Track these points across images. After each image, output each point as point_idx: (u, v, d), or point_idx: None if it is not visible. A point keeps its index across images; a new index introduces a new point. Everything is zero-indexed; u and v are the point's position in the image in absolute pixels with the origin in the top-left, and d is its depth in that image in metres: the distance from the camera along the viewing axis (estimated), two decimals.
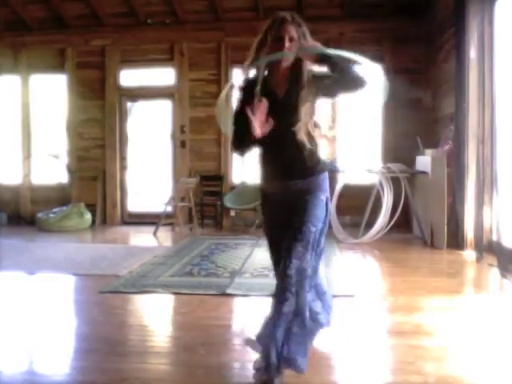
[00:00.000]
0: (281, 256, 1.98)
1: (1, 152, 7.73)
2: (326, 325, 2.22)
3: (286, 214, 2.04)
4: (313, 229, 1.98)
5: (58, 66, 7.34)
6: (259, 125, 1.85)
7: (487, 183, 4.56)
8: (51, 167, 7.56)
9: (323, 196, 2.06)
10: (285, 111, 1.99)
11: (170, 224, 6.64)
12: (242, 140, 1.99)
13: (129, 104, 7.45)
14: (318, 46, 1.94)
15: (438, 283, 3.65)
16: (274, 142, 1.99)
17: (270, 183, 2.12)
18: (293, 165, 2.03)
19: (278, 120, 1.90)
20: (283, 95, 2.03)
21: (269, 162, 2.09)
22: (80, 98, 7.28)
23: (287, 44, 1.96)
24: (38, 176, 7.55)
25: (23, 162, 7.51)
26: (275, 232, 2.11)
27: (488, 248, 4.51)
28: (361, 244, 5.32)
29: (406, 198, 5.52)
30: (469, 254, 4.67)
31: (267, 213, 2.19)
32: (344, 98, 2.11)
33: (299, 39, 1.97)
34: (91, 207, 7.06)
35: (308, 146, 2.00)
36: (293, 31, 1.97)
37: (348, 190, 6.03)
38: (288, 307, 1.89)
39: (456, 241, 4.90)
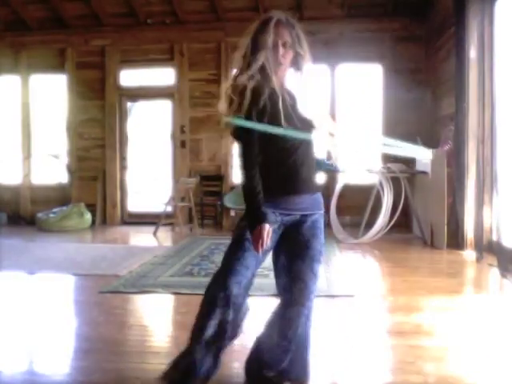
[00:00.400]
0: (247, 263, 1.79)
1: (1, 152, 7.73)
2: None
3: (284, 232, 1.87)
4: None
5: (58, 66, 7.34)
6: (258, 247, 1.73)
7: (487, 183, 4.56)
8: (51, 167, 7.57)
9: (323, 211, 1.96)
10: (302, 117, 1.82)
11: (170, 224, 6.64)
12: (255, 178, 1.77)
13: (129, 104, 7.45)
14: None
15: (438, 283, 3.65)
16: (290, 150, 1.79)
17: (277, 196, 1.81)
18: (308, 177, 1.82)
19: (296, 127, 1.76)
20: (291, 99, 1.85)
21: (279, 171, 1.80)
22: (80, 98, 7.28)
23: (281, 51, 1.78)
24: (37, 176, 7.55)
25: (23, 162, 7.51)
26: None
27: (488, 248, 4.51)
28: (361, 244, 5.32)
29: (406, 198, 5.52)
30: (469, 254, 4.67)
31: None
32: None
33: (294, 44, 1.80)
34: (91, 207, 7.06)
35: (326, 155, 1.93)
36: (286, 35, 1.79)
37: (348, 190, 6.03)
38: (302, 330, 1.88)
39: (456, 241, 4.90)
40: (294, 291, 1.84)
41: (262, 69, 1.79)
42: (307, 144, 1.84)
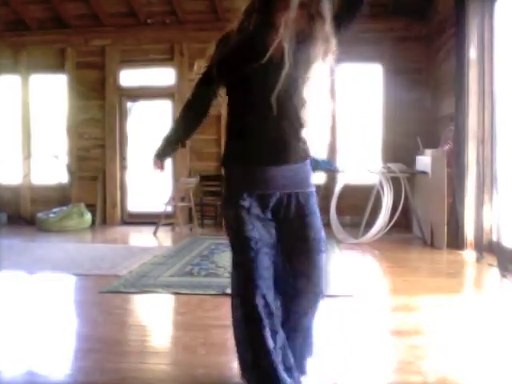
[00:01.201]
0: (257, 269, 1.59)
1: (1, 152, 7.73)
2: None
3: (269, 217, 1.67)
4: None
5: (58, 66, 7.34)
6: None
7: (487, 183, 4.56)
8: (51, 167, 7.57)
9: (313, 188, 1.71)
10: (277, 77, 1.55)
11: (170, 224, 6.64)
12: (195, 116, 1.87)
13: (129, 104, 7.45)
14: None
15: (437, 283, 3.65)
16: (258, 111, 1.60)
17: (248, 168, 1.63)
18: (282, 143, 1.59)
19: (265, 87, 1.56)
20: (279, 55, 1.56)
21: (248, 137, 1.62)
22: (80, 98, 7.28)
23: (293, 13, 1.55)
24: (38, 176, 7.55)
25: (23, 162, 7.51)
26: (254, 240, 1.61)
27: (488, 248, 4.51)
28: (361, 244, 5.31)
29: (406, 198, 5.52)
30: (469, 254, 4.67)
31: (240, 217, 1.62)
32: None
33: (310, 7, 1.58)
34: (91, 207, 7.06)
35: (304, 123, 1.63)
36: None
37: (348, 190, 6.03)
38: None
39: (456, 241, 4.90)
40: (297, 287, 1.68)
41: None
42: (283, 98, 1.58)
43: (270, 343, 1.58)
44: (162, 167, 1.91)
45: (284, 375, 1.60)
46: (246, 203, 1.62)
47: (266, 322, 1.58)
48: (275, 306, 1.65)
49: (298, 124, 1.63)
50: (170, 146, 1.92)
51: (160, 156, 1.92)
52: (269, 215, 1.66)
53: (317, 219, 1.69)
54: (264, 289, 1.58)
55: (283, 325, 1.70)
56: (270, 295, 1.61)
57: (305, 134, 1.65)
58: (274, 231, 1.67)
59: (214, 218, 7.00)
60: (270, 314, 1.60)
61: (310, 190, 1.68)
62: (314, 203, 1.69)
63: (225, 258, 4.56)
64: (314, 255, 1.67)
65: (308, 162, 1.69)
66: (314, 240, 1.66)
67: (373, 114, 6.80)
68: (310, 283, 1.68)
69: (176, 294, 3.39)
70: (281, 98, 1.57)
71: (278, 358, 1.60)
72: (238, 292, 1.65)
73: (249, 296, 1.58)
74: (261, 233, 1.62)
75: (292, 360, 1.69)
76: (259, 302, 1.57)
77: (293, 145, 1.61)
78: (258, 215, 1.63)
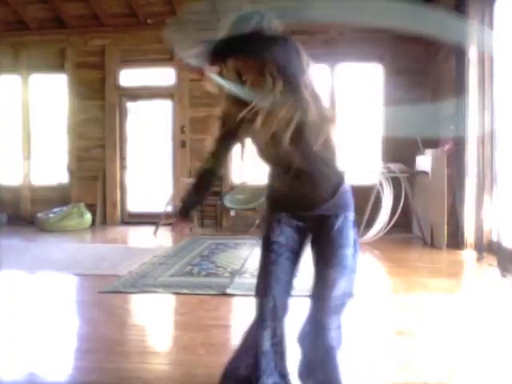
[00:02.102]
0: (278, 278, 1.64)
1: (1, 152, 7.73)
2: None
3: (302, 236, 1.72)
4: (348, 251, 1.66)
5: (57, 66, 7.35)
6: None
7: (487, 183, 4.56)
8: (51, 167, 7.57)
9: (351, 215, 1.69)
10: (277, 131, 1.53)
11: (170, 224, 6.63)
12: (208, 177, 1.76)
13: (129, 104, 7.45)
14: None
15: (438, 283, 3.65)
16: (279, 167, 1.63)
17: (284, 211, 1.70)
18: (312, 193, 1.63)
19: (273, 146, 1.56)
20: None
21: (279, 190, 1.69)
22: (80, 98, 7.28)
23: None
24: (38, 176, 7.55)
25: (23, 162, 7.51)
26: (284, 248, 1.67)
27: (488, 248, 4.51)
28: (361, 244, 5.30)
29: (406, 198, 5.52)
30: (469, 254, 4.67)
31: (271, 225, 1.70)
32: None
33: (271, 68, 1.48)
34: (91, 207, 7.06)
35: (330, 160, 1.69)
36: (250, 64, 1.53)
37: None
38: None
39: (456, 241, 4.90)
40: (320, 297, 1.75)
41: None
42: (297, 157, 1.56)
43: (266, 345, 1.63)
44: (182, 228, 1.79)
45: (266, 381, 1.63)
46: (280, 215, 1.69)
47: (268, 323, 1.62)
48: (285, 311, 1.67)
49: (327, 161, 1.68)
50: (191, 205, 1.81)
51: (181, 214, 1.78)
52: (301, 224, 1.70)
53: (349, 235, 1.66)
54: (277, 291, 1.63)
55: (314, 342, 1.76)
56: (281, 299, 1.64)
57: (337, 159, 1.74)
58: (301, 238, 1.71)
59: (214, 218, 7.01)
60: (275, 319, 1.64)
61: (347, 213, 1.66)
62: (348, 224, 1.67)
63: (225, 258, 4.56)
64: (340, 269, 1.68)
65: (345, 185, 1.69)
66: (338, 252, 1.64)
67: (373, 114, 6.80)
68: (331, 296, 1.77)
69: (176, 293, 3.39)
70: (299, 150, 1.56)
71: (267, 363, 1.63)
72: (255, 290, 1.72)
73: (261, 294, 1.66)
74: (288, 238, 1.67)
75: (287, 368, 1.72)
76: (268, 302, 1.62)
77: (325, 189, 1.63)
78: (289, 222, 1.69)
